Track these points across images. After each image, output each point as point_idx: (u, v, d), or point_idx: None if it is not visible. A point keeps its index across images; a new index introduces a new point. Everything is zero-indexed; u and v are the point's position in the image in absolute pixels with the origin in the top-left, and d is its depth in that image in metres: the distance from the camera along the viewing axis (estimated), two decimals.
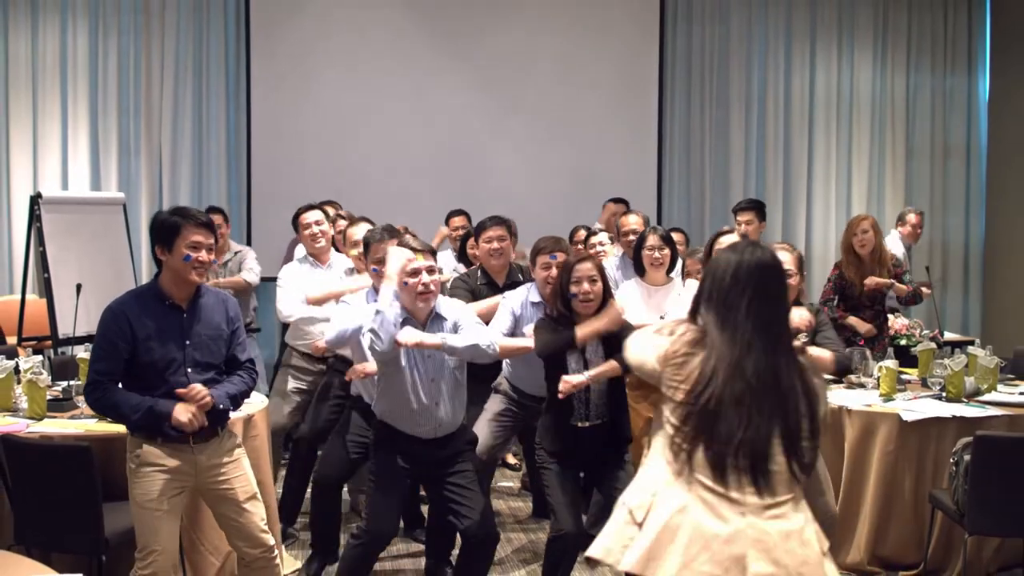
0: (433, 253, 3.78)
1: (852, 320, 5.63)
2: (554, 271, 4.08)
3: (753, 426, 2.32)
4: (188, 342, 3.35)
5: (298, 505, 4.98)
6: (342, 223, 5.39)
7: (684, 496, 2.35)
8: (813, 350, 3.76)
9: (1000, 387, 4.84)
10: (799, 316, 3.73)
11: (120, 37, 7.74)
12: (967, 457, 3.86)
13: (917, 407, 4.47)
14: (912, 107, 8.86)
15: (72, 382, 4.50)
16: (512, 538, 5.03)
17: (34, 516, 3.56)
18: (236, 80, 7.95)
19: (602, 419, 3.75)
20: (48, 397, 4.21)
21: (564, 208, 7.71)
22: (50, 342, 6.12)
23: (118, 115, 7.76)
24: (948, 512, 4.07)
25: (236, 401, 3.48)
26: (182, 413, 3.27)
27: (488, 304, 4.47)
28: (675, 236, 5.39)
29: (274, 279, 5.32)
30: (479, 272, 4.88)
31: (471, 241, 5.46)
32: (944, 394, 4.64)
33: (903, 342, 5.91)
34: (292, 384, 5.11)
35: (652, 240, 4.75)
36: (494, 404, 4.53)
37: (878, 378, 4.69)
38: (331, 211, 5.70)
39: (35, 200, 6.19)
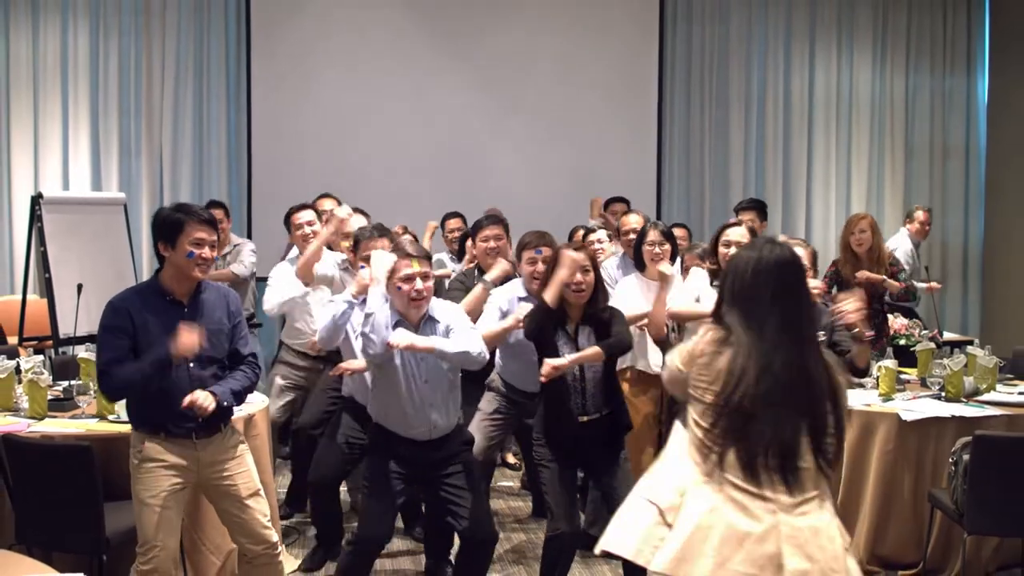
0: (428, 258, 3.76)
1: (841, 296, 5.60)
2: (540, 266, 4.10)
3: (784, 424, 2.33)
4: None
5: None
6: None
7: (713, 497, 2.35)
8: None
9: (999, 387, 4.84)
10: (852, 307, 3.69)
11: (121, 37, 7.76)
12: (966, 457, 3.86)
13: (916, 407, 4.47)
14: (911, 107, 8.87)
15: (73, 382, 4.50)
16: (512, 537, 5.04)
17: (35, 516, 3.57)
18: (236, 80, 7.96)
19: (600, 412, 3.76)
20: (49, 397, 4.22)
21: (564, 208, 7.70)
22: (51, 342, 6.13)
23: (119, 115, 7.78)
24: (947, 512, 4.07)
25: (240, 397, 3.49)
26: (183, 337, 3.20)
27: (474, 295, 4.47)
28: (678, 231, 5.40)
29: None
30: (476, 271, 4.89)
31: (468, 243, 5.46)
32: (943, 394, 4.64)
33: (902, 342, 5.90)
34: (284, 379, 5.14)
35: (653, 235, 4.76)
36: (487, 404, 4.54)
37: (877, 378, 4.69)
38: (331, 203, 5.66)
39: (36, 200, 6.20)
